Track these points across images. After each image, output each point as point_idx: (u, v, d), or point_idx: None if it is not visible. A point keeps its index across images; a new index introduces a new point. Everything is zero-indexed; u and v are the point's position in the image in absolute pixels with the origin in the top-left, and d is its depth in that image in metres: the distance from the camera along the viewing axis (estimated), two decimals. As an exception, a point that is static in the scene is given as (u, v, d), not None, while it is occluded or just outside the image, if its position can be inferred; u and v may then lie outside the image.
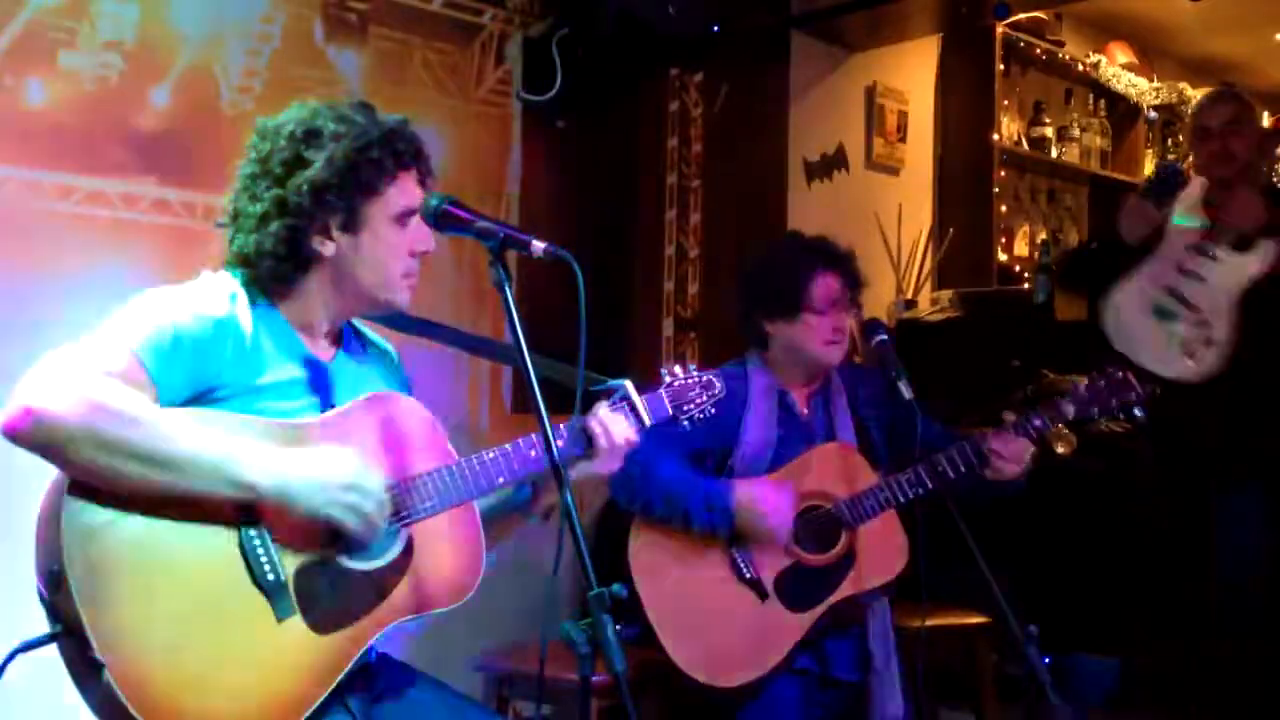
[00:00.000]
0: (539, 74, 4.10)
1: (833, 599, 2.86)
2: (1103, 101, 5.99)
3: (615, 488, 2.82)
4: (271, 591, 1.82)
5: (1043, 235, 5.76)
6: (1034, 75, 5.83)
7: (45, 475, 1.76)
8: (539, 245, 1.91)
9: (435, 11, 3.91)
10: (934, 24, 5.00)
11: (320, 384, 2.01)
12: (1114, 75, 5.96)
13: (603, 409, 2.13)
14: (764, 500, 2.80)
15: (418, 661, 2.20)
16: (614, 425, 2.11)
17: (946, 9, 4.74)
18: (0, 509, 2.26)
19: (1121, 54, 6.08)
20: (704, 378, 2.25)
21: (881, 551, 2.89)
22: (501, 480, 2.04)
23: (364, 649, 1.93)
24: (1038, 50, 5.63)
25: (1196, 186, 3.48)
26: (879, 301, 4.83)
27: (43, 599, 1.76)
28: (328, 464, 1.85)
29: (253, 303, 1.98)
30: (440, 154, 3.68)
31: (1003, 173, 5.41)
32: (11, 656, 1.79)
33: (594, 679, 1.80)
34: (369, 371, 2.14)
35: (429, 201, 1.99)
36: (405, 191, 2.02)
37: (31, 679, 1.84)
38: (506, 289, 1.90)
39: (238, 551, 1.81)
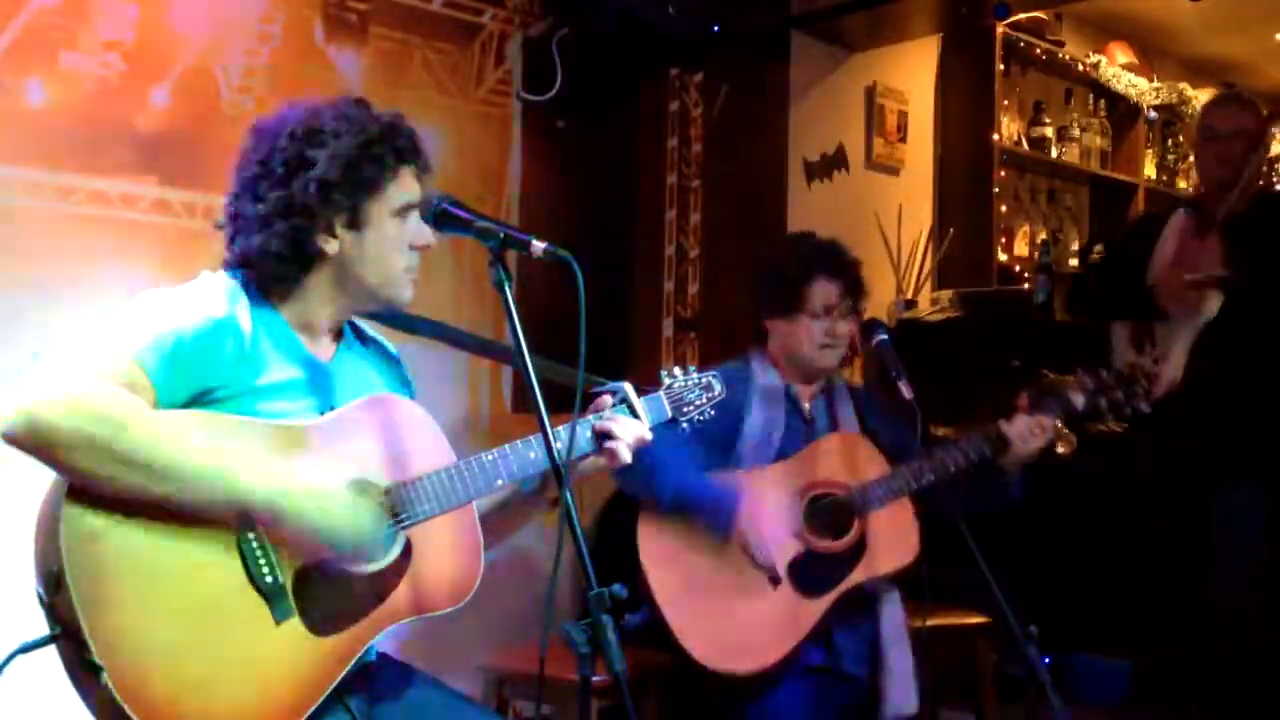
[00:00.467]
0: (539, 74, 4.10)
1: (845, 586, 2.86)
2: (1103, 101, 5.98)
3: (622, 479, 2.83)
4: (270, 593, 1.82)
5: (1043, 235, 5.75)
6: (1034, 75, 5.83)
7: (45, 476, 1.75)
8: (539, 245, 1.91)
9: (435, 11, 3.91)
10: (934, 24, 5.00)
11: (320, 385, 2.00)
12: (1114, 75, 5.95)
13: (612, 409, 2.13)
14: (760, 532, 2.82)
15: (418, 661, 2.19)
16: (627, 423, 2.11)
17: (946, 9, 4.73)
18: (0, 510, 2.26)
19: (1121, 54, 6.07)
20: (703, 379, 2.25)
21: (894, 539, 2.89)
22: (500, 482, 2.04)
23: (363, 650, 1.92)
24: (1038, 50, 5.62)
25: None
26: (879, 301, 4.82)
27: (42, 601, 1.75)
28: (320, 489, 1.84)
29: (252, 303, 1.97)
30: (440, 154, 3.70)
31: (1003, 173, 5.40)
32: (11, 657, 1.78)
33: (594, 679, 1.80)
34: (369, 371, 2.13)
35: (429, 201, 1.99)
36: (405, 186, 2.02)
37: (31, 679, 1.84)
38: (506, 289, 1.90)
39: (236, 554, 1.81)
